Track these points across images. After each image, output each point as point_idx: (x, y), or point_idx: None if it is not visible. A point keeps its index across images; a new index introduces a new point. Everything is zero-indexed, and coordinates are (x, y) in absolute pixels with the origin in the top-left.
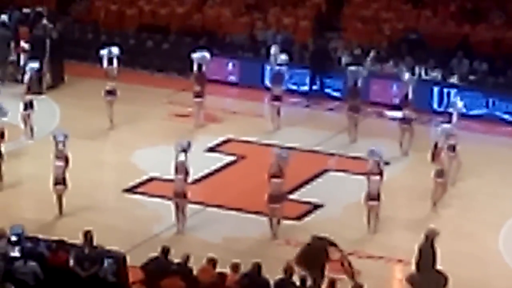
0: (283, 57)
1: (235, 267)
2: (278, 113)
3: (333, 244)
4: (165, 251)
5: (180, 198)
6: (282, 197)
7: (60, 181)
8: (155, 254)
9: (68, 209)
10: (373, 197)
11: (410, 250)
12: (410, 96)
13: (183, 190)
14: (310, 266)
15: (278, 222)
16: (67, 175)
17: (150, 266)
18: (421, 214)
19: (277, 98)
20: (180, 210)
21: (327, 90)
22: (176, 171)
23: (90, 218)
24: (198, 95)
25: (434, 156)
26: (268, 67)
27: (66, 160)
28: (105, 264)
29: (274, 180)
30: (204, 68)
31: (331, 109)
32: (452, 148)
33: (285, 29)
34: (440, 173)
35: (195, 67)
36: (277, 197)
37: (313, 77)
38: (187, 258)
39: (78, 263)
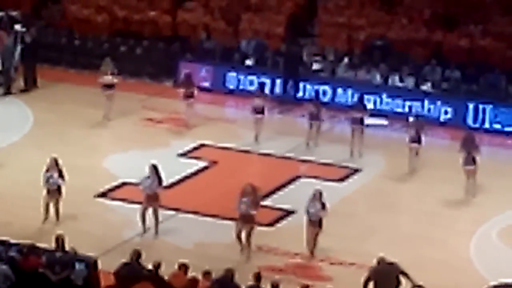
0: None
1: (206, 275)
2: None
3: (403, 273)
4: (137, 255)
5: (152, 201)
6: (252, 217)
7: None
8: (126, 259)
9: (40, 214)
10: (315, 223)
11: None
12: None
13: (156, 193)
14: None
15: (249, 237)
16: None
17: (121, 271)
18: (393, 221)
19: (258, 109)
20: (152, 212)
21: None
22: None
23: (62, 222)
24: (188, 96)
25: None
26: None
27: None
28: (77, 268)
29: (244, 199)
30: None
31: (303, 116)
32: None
33: (259, 35)
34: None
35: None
36: (248, 216)
37: (285, 82)
38: (158, 266)
39: (49, 267)
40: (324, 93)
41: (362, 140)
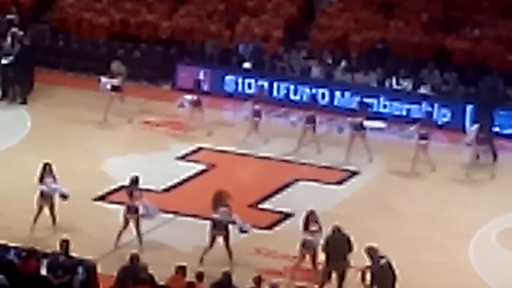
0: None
1: (199, 276)
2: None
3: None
4: (135, 258)
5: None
6: (226, 225)
7: (47, 197)
8: (125, 262)
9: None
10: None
11: None
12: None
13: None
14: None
15: (229, 250)
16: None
17: (121, 274)
18: (392, 224)
19: (257, 112)
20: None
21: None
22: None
23: (60, 226)
24: (196, 103)
25: None
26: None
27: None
28: (78, 272)
29: (221, 208)
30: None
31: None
32: None
33: (256, 38)
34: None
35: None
36: (224, 224)
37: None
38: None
39: (51, 270)
40: (323, 96)
41: (366, 144)
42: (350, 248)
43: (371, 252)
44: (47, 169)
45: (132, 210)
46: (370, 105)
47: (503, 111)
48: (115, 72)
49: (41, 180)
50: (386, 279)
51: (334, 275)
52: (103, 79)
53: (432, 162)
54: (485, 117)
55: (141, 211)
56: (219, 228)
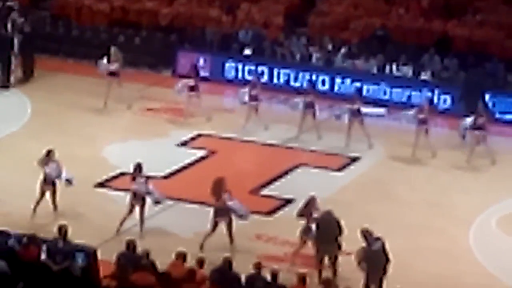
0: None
1: (199, 262)
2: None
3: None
4: (131, 245)
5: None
6: (229, 211)
7: (50, 182)
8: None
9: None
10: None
11: None
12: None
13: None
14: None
15: (231, 236)
16: None
17: (120, 261)
18: (392, 210)
19: (254, 97)
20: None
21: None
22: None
23: (61, 212)
24: (193, 87)
25: None
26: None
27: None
28: (77, 258)
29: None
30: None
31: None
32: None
33: (256, 24)
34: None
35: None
36: (223, 210)
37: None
38: (147, 254)
39: (50, 256)
40: (323, 82)
41: (365, 130)
42: (340, 231)
43: (366, 234)
44: (50, 155)
45: (138, 197)
46: (360, 89)
47: (503, 97)
48: (113, 58)
49: (45, 165)
50: (378, 262)
51: (326, 260)
52: (102, 61)
53: (432, 148)
54: (480, 102)
55: (148, 197)
56: (223, 214)
